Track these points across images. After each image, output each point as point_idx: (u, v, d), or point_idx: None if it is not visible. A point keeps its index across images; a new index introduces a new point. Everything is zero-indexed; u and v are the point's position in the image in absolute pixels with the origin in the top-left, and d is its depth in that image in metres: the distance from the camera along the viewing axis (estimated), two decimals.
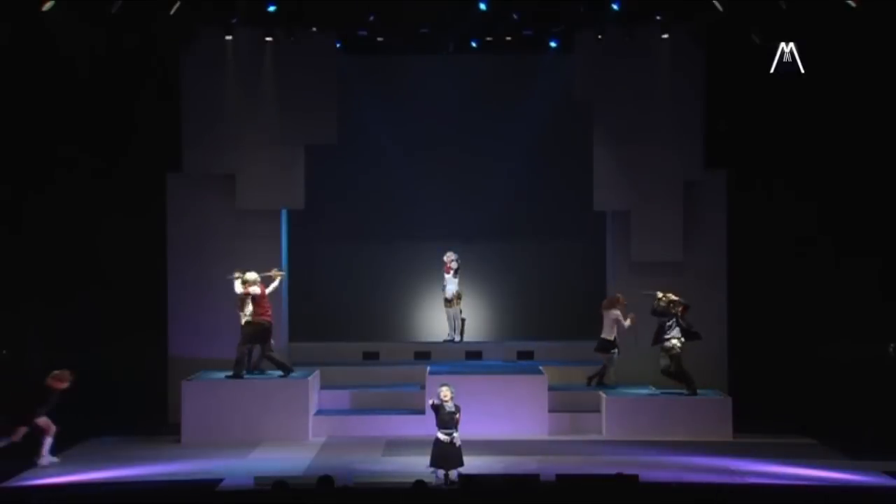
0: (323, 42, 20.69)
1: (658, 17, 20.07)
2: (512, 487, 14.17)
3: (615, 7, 19.83)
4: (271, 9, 19.71)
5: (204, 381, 19.13)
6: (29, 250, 20.03)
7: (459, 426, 15.87)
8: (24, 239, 20.07)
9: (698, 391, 19.09)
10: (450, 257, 21.27)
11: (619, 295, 19.95)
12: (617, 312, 19.69)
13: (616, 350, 19.73)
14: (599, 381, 19.78)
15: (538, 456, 17.48)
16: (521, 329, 22.33)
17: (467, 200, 22.47)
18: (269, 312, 19.19)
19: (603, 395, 19.29)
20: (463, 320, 21.51)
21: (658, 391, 19.50)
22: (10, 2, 18.01)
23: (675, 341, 19.01)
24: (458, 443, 15.80)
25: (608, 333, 19.70)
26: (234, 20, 20.05)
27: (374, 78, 22.23)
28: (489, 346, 21.55)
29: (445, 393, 15.95)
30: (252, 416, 18.74)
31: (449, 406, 15.86)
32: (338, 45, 21.10)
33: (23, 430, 16.86)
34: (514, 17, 20.32)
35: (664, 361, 19.09)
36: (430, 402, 16.10)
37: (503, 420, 18.66)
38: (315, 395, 19.58)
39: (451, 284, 21.27)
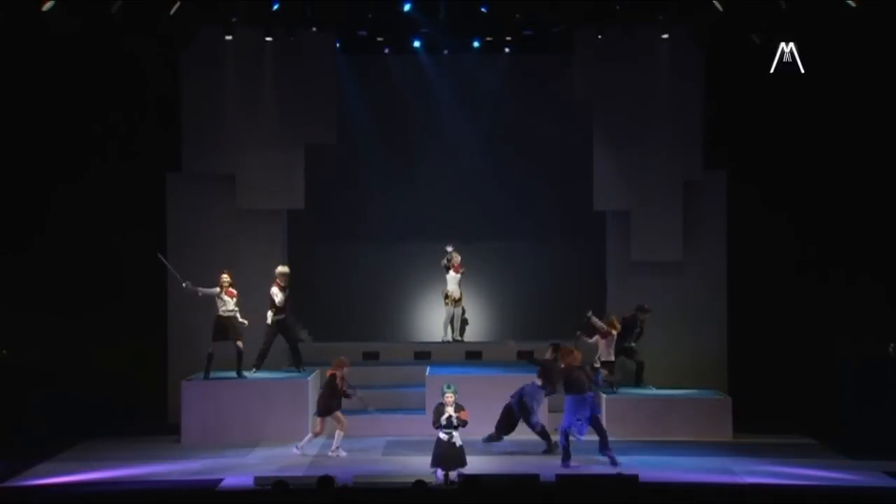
0: (323, 42, 20.70)
1: (658, 17, 20.06)
2: (512, 487, 14.18)
3: (615, 7, 19.84)
4: (275, 7, 19.69)
5: (204, 381, 19.11)
6: (28, 250, 20.00)
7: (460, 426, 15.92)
8: (23, 239, 20.05)
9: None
10: (454, 258, 21.27)
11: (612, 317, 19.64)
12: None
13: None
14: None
15: (538, 456, 17.49)
16: (522, 329, 22.32)
17: (467, 200, 22.47)
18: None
19: (603, 395, 19.29)
20: (464, 321, 21.51)
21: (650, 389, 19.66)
22: (10, 2, 17.99)
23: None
24: (458, 443, 15.84)
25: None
26: (235, 20, 20.04)
27: (374, 78, 22.23)
28: (489, 346, 21.53)
29: (449, 396, 16.02)
30: (252, 416, 18.73)
31: (449, 409, 15.90)
32: (338, 45, 21.11)
33: None
34: (518, 17, 20.32)
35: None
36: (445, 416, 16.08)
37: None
38: (315, 395, 19.55)
39: (453, 283, 21.27)
